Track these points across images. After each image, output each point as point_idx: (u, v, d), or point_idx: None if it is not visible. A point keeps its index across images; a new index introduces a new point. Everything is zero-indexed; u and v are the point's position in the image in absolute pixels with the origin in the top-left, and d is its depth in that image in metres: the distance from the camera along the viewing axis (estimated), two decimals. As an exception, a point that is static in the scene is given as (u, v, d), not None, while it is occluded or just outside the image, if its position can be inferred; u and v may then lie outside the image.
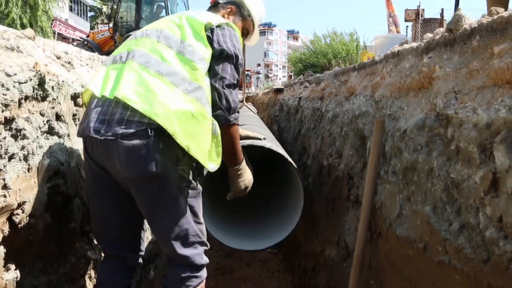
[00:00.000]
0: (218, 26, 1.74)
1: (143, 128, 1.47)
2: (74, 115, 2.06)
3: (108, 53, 11.16)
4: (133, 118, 1.47)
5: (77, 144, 2.09)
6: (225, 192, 2.10)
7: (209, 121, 1.61)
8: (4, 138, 1.49)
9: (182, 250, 1.64)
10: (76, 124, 2.09)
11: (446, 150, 1.28)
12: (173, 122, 1.48)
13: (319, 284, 2.72)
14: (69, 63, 2.23)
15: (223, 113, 1.69)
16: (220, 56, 1.70)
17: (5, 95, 1.48)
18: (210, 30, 1.72)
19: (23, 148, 1.61)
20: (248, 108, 5.24)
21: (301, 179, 2.60)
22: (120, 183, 1.62)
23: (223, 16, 2.01)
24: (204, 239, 1.75)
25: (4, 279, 1.48)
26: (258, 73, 25.63)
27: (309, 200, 3.14)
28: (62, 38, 19.87)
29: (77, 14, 27.10)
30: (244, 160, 2.00)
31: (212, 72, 1.69)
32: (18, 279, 1.58)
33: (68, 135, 1.98)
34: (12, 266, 1.56)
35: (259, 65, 27.93)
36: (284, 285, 4.02)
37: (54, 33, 17.34)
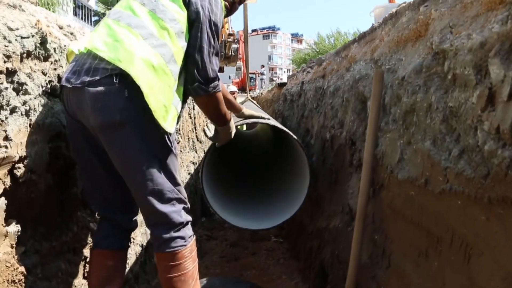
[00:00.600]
0: None
1: (107, 74, 1.50)
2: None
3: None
4: (99, 66, 1.51)
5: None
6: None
7: (171, 79, 1.60)
8: (6, 89, 1.51)
9: (159, 206, 1.62)
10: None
11: (443, 84, 1.28)
12: (135, 66, 1.49)
13: (324, 259, 2.70)
14: (71, 33, 2.26)
15: (200, 85, 1.69)
16: (196, 20, 1.68)
17: (7, 46, 1.50)
18: None
19: (24, 103, 1.62)
20: (252, 102, 5.25)
21: (306, 155, 2.60)
22: (96, 138, 1.63)
23: None
24: (182, 196, 1.71)
25: (5, 229, 1.49)
26: (262, 74, 25.70)
27: (314, 178, 3.14)
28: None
29: (81, 18, 27.28)
30: (231, 119, 2.03)
31: (191, 41, 1.68)
32: (19, 233, 1.59)
33: (70, 101, 2.00)
34: (14, 221, 1.57)
35: (263, 66, 28.03)
36: (289, 272, 4.00)
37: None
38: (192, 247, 1.76)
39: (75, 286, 2.13)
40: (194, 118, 5.87)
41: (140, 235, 3.13)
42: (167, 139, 1.64)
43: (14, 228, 1.54)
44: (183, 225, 1.70)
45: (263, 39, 72.66)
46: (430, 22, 1.49)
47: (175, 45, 1.64)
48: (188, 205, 1.76)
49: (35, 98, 1.70)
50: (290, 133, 2.69)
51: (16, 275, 1.49)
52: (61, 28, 2.23)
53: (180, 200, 1.69)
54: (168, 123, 1.60)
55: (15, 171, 1.57)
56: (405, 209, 1.42)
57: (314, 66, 3.93)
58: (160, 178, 1.61)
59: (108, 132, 1.54)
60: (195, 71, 1.67)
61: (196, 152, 5.88)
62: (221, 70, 13.02)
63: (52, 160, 1.86)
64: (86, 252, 2.25)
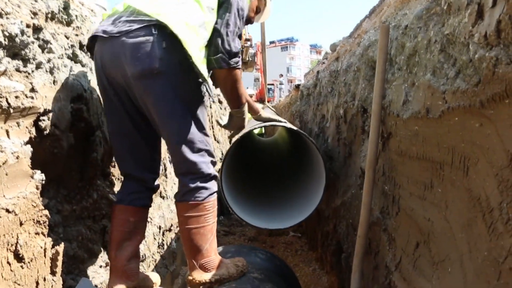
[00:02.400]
0: None
1: (146, 25, 1.59)
2: (96, 52, 2.20)
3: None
4: (137, 18, 1.62)
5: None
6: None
7: (201, 42, 1.71)
8: (33, 43, 1.63)
9: (190, 155, 1.72)
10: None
11: (441, 19, 1.32)
12: (172, 20, 1.60)
13: (340, 234, 2.72)
14: (92, 10, 2.39)
15: (223, 56, 1.77)
16: (225, 2, 1.81)
17: (33, 4, 1.63)
18: None
19: (49, 60, 1.74)
20: (270, 108, 5.32)
21: (322, 156, 2.62)
22: (129, 93, 1.72)
23: None
24: (211, 149, 1.81)
25: (31, 171, 1.58)
26: (281, 83, 25.82)
27: (329, 160, 3.17)
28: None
29: None
30: (246, 103, 2.08)
31: (218, 18, 1.81)
32: (43, 182, 1.67)
33: (91, 69, 2.11)
34: (38, 171, 1.66)
35: (281, 75, 28.15)
36: (307, 260, 4.01)
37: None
38: (214, 203, 1.83)
39: (94, 253, 2.22)
40: (211, 116, 5.98)
41: (158, 218, 3.21)
42: (204, 88, 1.77)
43: (39, 176, 1.64)
44: (210, 177, 1.78)
45: (282, 50, 72.85)
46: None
47: (205, 16, 1.76)
48: (216, 159, 1.85)
49: (59, 57, 1.81)
50: (305, 134, 2.72)
51: (40, 216, 1.58)
52: (82, 4, 2.37)
53: (209, 152, 1.79)
54: (205, 71, 1.71)
55: (39, 122, 1.68)
56: (411, 146, 1.46)
57: (329, 54, 4.00)
58: (192, 128, 1.71)
59: (145, 80, 1.63)
60: (220, 43, 1.76)
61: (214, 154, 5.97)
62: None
63: (74, 120, 1.96)
64: (105, 222, 2.34)
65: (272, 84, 22.32)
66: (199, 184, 1.75)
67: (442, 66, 1.26)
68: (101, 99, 1.95)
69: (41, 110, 1.66)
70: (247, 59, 8.91)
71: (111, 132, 1.92)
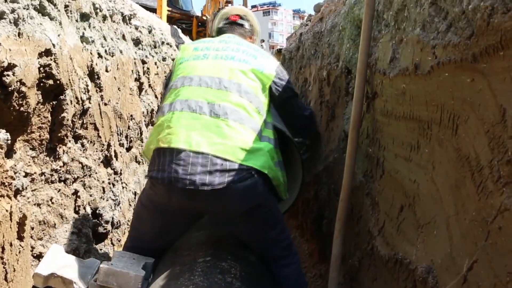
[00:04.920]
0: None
1: (246, 172, 1.69)
2: (66, 5, 2.05)
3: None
4: (235, 166, 1.67)
5: (70, 36, 2.09)
6: None
7: (278, 155, 1.94)
8: (-7, -9, 1.49)
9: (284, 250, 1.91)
10: (68, 16, 2.08)
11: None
12: (259, 161, 1.75)
13: (321, 201, 2.70)
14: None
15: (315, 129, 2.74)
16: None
17: None
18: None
19: (13, 11, 1.60)
20: None
21: (300, 155, 2.52)
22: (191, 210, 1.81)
23: None
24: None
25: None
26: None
27: (312, 124, 3.11)
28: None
29: None
30: None
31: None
32: (9, 141, 1.57)
33: (60, 23, 1.97)
34: (3, 131, 1.56)
35: (263, 41, 27.57)
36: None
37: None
38: None
39: (66, 218, 2.14)
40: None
41: (133, 183, 3.13)
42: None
43: (3, 135, 1.53)
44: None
45: (263, 15, 71.39)
46: None
47: (261, 117, 1.91)
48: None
49: (24, 8, 1.67)
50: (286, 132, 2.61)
51: (5, 177, 1.49)
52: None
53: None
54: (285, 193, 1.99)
55: (3, 78, 1.56)
56: (397, 106, 1.41)
57: (312, 16, 3.88)
58: (286, 231, 1.95)
59: (248, 215, 1.75)
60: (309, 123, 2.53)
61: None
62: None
63: (42, 77, 1.84)
64: (77, 185, 2.25)
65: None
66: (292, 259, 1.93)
67: (432, 20, 1.19)
68: (141, 211, 1.90)
69: (5, 64, 1.54)
70: (228, 22, 8.64)
71: (140, 232, 1.91)
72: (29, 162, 1.87)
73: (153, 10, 9.39)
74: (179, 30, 5.72)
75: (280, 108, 2.15)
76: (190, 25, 10.36)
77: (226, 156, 1.65)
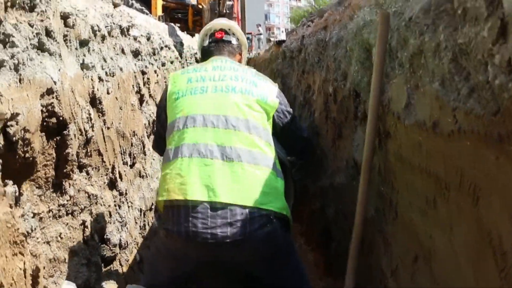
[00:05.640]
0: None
1: (265, 216, 1.66)
2: (65, 36, 1.99)
3: None
4: (255, 214, 1.63)
5: (70, 66, 2.03)
6: None
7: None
8: (-8, 41, 1.44)
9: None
10: (67, 46, 2.02)
11: (453, 21, 1.19)
12: (277, 202, 1.74)
13: (328, 217, 2.69)
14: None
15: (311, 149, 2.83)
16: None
17: (-11, -6, 1.42)
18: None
19: (13, 56, 1.55)
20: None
21: (292, 176, 2.48)
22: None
23: (240, 62, 2.29)
24: None
25: (2, 189, 1.45)
26: (259, 34, 24.99)
27: (316, 134, 3.08)
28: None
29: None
30: None
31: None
32: (17, 194, 1.56)
33: (60, 55, 1.92)
34: (10, 182, 1.53)
35: (259, 25, 27.19)
36: (292, 235, 3.99)
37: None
38: None
39: (75, 251, 2.13)
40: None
41: (138, 200, 3.11)
42: None
43: (11, 188, 1.50)
44: None
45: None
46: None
47: (272, 150, 1.91)
48: None
49: (24, 51, 1.62)
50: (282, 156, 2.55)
51: (17, 236, 1.46)
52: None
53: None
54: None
55: (7, 129, 1.52)
56: (413, 156, 1.37)
57: (315, 19, 3.79)
58: (300, 264, 1.94)
59: (269, 259, 1.75)
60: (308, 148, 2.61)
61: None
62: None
63: (45, 117, 1.80)
64: (84, 216, 2.23)
65: (250, 33, 21.63)
66: None
67: (452, 77, 1.15)
68: (157, 255, 1.90)
69: (8, 116, 1.50)
70: (224, 11, 8.49)
71: (150, 273, 1.92)
72: (36, 202, 1.85)
73: (148, 0, 9.22)
74: (177, 28, 5.61)
75: (280, 132, 2.10)
76: (186, 15, 10.20)
77: (245, 203, 1.62)
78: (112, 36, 2.78)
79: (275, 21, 70.90)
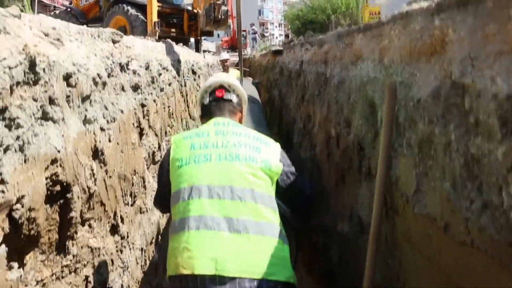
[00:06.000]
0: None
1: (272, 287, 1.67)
2: (67, 96, 1.97)
3: (93, 20, 10.78)
4: (263, 285, 1.64)
5: (73, 126, 2.01)
6: None
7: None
8: (-3, 125, 1.42)
9: None
10: (70, 107, 2.00)
11: (464, 121, 1.19)
12: (286, 271, 1.74)
13: (332, 259, 2.70)
14: (58, 39, 2.10)
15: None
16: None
17: (-6, 80, 1.39)
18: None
19: (18, 138, 1.53)
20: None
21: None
22: None
23: (240, 121, 2.26)
24: None
25: (8, 280, 1.44)
26: (254, 33, 24.86)
27: (318, 170, 3.08)
28: (43, 5, 19.00)
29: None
30: None
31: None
32: (22, 277, 1.55)
33: (63, 119, 1.90)
34: (15, 265, 1.52)
35: (252, 24, 27.03)
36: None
37: (34, 1, 16.61)
38: None
39: (79, 310, 2.12)
40: (186, 95, 5.73)
41: (139, 238, 3.11)
42: None
43: (16, 274, 1.50)
44: None
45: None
46: (447, 41, 1.37)
47: (277, 216, 1.90)
48: None
49: (28, 130, 1.60)
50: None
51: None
52: (46, 35, 2.08)
53: None
54: None
55: (13, 213, 1.51)
56: (422, 245, 1.38)
57: (314, 45, 3.77)
58: None
59: None
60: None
61: (188, 130, 5.79)
62: (210, 34, 12.54)
63: (50, 189, 1.79)
64: (87, 270, 2.22)
65: (244, 31, 21.61)
66: None
67: (464, 183, 1.15)
68: None
69: (14, 201, 1.48)
70: (219, 17, 8.43)
71: None
72: (39, 268, 1.83)
73: (143, 6, 9.14)
74: (173, 44, 5.57)
75: (283, 192, 2.08)
76: (181, 20, 10.13)
77: (253, 275, 1.63)
78: (112, 76, 2.75)
79: (269, 16, 70.47)
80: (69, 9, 10.72)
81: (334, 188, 2.67)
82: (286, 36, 24.06)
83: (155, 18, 8.51)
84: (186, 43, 11.19)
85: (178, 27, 9.87)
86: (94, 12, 10.34)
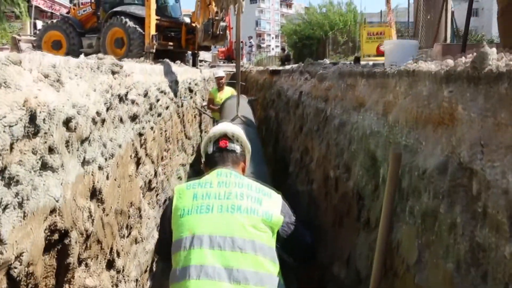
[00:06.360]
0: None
1: None
2: (66, 141, 1.95)
3: (90, 31, 10.72)
4: None
5: (72, 170, 1.99)
6: None
7: None
8: (-4, 185, 1.40)
9: None
10: (69, 152, 1.98)
11: (471, 207, 1.19)
12: None
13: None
14: (58, 80, 2.08)
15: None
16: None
17: (-6, 140, 1.37)
18: None
19: (17, 195, 1.51)
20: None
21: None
22: None
23: (243, 170, 2.23)
24: None
25: None
26: (251, 46, 24.97)
27: (315, 206, 3.08)
28: (40, 11, 18.85)
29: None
30: None
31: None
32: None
33: (62, 165, 1.87)
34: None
35: (250, 37, 27.18)
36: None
37: (31, 6, 16.48)
38: None
39: None
40: (183, 115, 5.71)
41: (134, 270, 3.08)
42: None
43: None
44: None
45: (251, 3, 70.30)
46: (456, 117, 1.38)
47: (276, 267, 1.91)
48: None
49: (27, 185, 1.58)
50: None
51: None
52: (46, 76, 2.06)
53: None
54: None
55: (11, 271, 1.48)
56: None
57: (314, 77, 3.79)
58: None
59: None
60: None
61: (185, 152, 5.75)
62: (208, 48, 12.55)
63: (48, 239, 1.76)
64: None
65: (242, 42, 21.73)
66: None
67: (468, 268, 1.15)
68: None
69: (12, 260, 1.46)
70: (218, 32, 8.44)
71: None
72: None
73: (141, 19, 9.13)
74: (171, 64, 5.57)
75: (283, 242, 2.06)
76: (179, 33, 10.13)
77: None
78: (111, 109, 2.73)
79: (266, 27, 70.96)
80: (66, 19, 10.65)
81: (331, 228, 2.67)
82: (283, 49, 24.17)
83: (153, 31, 8.50)
84: (183, 55, 11.17)
85: (176, 41, 9.86)
86: (92, 22, 10.29)
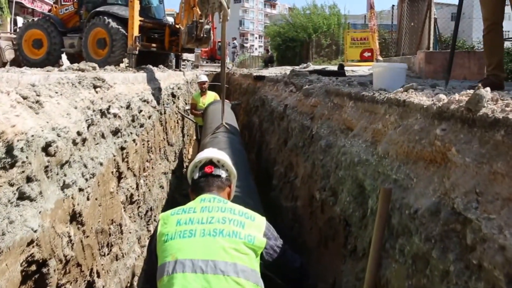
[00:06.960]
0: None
1: None
2: (45, 167, 1.87)
3: (72, 30, 10.47)
4: None
5: (51, 196, 1.91)
6: None
7: None
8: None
9: None
10: (48, 177, 1.89)
11: (465, 256, 1.17)
12: None
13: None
14: (37, 102, 2.00)
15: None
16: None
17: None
18: None
19: (-7, 233, 1.43)
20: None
21: None
22: None
23: (228, 195, 2.19)
24: None
25: None
26: (234, 47, 24.87)
27: (299, 224, 3.05)
28: (20, 7, 18.38)
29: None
30: None
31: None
32: None
33: (41, 193, 1.79)
34: None
35: (234, 38, 27.09)
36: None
37: (11, 2, 16.02)
38: None
39: None
40: (166, 123, 5.61)
41: (115, 286, 3.00)
42: None
43: None
44: None
45: (235, 2, 70.05)
46: (450, 159, 1.36)
47: None
48: None
49: (3, 220, 1.50)
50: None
51: None
52: (25, 98, 1.97)
53: None
54: None
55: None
56: None
57: (300, 91, 3.76)
58: None
59: None
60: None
61: (167, 159, 5.66)
62: (191, 50, 12.42)
63: (25, 272, 1.68)
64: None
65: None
66: None
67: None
68: None
69: (-16, 303, 1.38)
70: (202, 35, 8.33)
71: None
72: None
73: (125, 19, 8.96)
74: (155, 70, 5.47)
75: (270, 266, 2.03)
76: (162, 35, 9.98)
77: None
78: (93, 125, 2.65)
79: (250, 27, 70.84)
80: (47, 17, 10.35)
81: (315, 248, 2.64)
82: (266, 50, 24.14)
83: (136, 32, 8.34)
84: (166, 57, 11.01)
85: (159, 42, 9.71)
86: (74, 22, 10.03)
